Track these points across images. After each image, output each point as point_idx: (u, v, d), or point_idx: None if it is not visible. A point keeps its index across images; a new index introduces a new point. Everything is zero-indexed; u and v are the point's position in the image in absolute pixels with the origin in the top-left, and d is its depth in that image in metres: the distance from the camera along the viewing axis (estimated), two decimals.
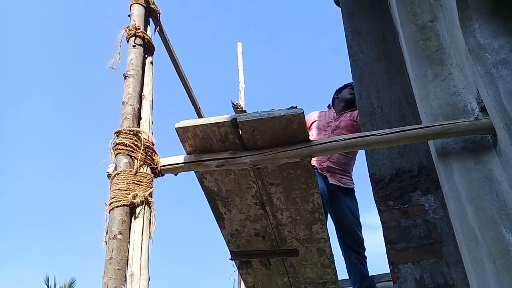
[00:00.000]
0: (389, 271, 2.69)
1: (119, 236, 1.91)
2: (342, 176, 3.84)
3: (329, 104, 4.24)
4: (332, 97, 4.26)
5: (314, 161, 3.74)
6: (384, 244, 2.62)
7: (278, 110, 2.14)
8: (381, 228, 2.66)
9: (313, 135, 3.90)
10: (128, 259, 1.90)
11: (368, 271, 3.66)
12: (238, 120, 2.14)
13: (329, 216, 3.75)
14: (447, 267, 2.33)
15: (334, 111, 4.12)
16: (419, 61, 2.51)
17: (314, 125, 4.06)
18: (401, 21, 2.67)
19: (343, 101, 4.10)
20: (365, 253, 3.70)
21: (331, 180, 3.75)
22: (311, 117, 4.16)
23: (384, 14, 3.47)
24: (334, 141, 2.18)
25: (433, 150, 2.26)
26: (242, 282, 4.78)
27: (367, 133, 2.20)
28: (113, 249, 1.87)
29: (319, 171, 3.73)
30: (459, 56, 2.41)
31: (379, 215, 2.67)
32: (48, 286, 16.89)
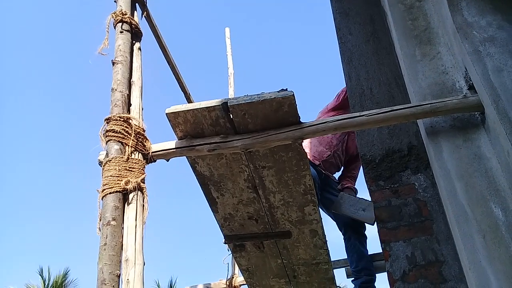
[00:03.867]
0: (380, 251, 2.75)
1: (112, 222, 1.91)
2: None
3: None
4: None
5: (313, 156, 3.76)
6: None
7: (269, 93, 2.14)
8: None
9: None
10: (122, 244, 1.90)
11: (367, 251, 3.70)
12: (228, 104, 2.14)
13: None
14: (438, 244, 2.37)
15: None
16: (407, 41, 2.52)
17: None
18: (389, 2, 2.67)
19: None
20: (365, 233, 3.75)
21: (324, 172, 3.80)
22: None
23: None
24: (325, 122, 2.19)
25: (422, 129, 2.28)
26: (236, 266, 4.82)
27: (357, 114, 2.20)
28: (107, 235, 1.87)
29: (312, 161, 3.74)
30: (447, 35, 2.43)
31: (370, 195, 2.70)
32: (42, 277, 16.94)
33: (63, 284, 17.24)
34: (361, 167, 3.02)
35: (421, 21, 2.54)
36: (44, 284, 16.92)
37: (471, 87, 2.17)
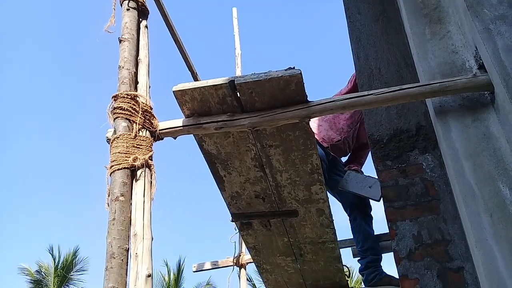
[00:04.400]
0: (386, 232, 2.75)
1: (121, 198, 1.93)
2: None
3: None
4: None
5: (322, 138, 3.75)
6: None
7: (276, 71, 2.13)
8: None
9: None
10: (130, 220, 1.93)
11: (373, 231, 3.72)
12: (235, 82, 2.13)
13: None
14: (445, 223, 2.37)
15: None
16: (417, 20, 2.49)
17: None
18: None
19: None
20: (371, 213, 3.76)
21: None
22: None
23: None
24: (333, 101, 2.18)
25: (431, 109, 2.27)
26: (243, 244, 4.88)
27: (365, 92, 2.19)
28: (115, 211, 1.90)
29: (321, 143, 3.72)
30: (457, 14, 2.39)
31: (377, 174, 2.69)
32: (52, 255, 17.24)
33: (73, 262, 17.55)
34: (369, 149, 3.01)
35: None
36: (55, 262, 17.23)
37: (481, 67, 2.14)
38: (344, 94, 3.77)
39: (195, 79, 3.52)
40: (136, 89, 2.26)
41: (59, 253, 17.39)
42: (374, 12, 3.30)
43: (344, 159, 4.07)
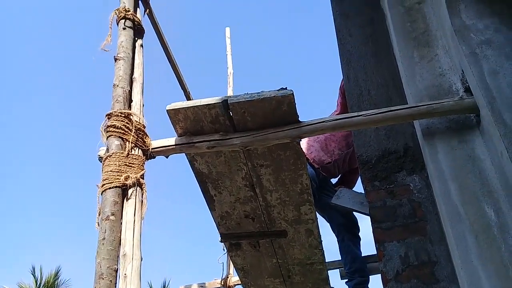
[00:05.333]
0: (374, 253, 2.75)
1: (111, 217, 1.93)
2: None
3: None
4: None
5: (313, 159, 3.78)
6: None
7: (269, 91, 2.16)
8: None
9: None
10: (120, 239, 1.92)
11: (361, 252, 3.73)
12: (229, 102, 2.16)
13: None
14: (431, 244, 2.40)
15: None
16: (406, 43, 2.55)
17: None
18: (389, 3, 2.70)
19: None
20: (359, 234, 3.78)
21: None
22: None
23: None
24: (323, 121, 2.22)
25: (419, 130, 2.32)
26: (231, 265, 4.84)
27: (355, 113, 2.24)
28: (105, 230, 1.90)
29: (312, 164, 3.75)
30: (445, 38, 2.46)
31: (365, 195, 2.72)
32: (34, 276, 16.86)
33: (55, 283, 17.18)
34: (359, 173, 3.04)
35: (420, 23, 2.57)
36: (36, 283, 16.85)
37: (467, 90, 2.20)
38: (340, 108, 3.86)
39: (188, 97, 3.56)
40: (130, 107, 2.28)
41: (41, 274, 17.00)
42: (364, 34, 3.38)
43: (333, 180, 4.10)
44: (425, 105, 2.15)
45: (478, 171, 2.03)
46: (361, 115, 2.19)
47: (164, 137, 2.35)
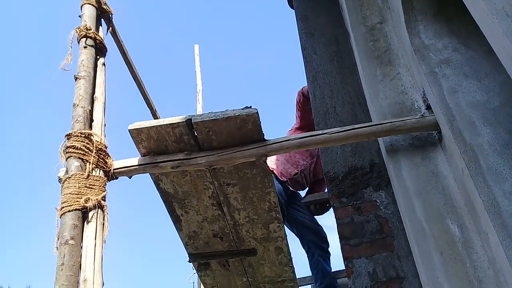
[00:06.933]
0: (344, 268, 2.76)
1: (70, 241, 1.86)
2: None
3: None
4: None
5: (280, 172, 3.78)
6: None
7: (233, 110, 2.15)
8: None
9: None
10: (80, 264, 1.85)
11: (331, 268, 3.73)
12: (192, 121, 2.14)
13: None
14: (399, 260, 2.41)
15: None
16: (369, 62, 2.59)
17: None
18: (352, 23, 2.75)
19: None
20: (329, 249, 3.78)
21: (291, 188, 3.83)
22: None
23: (336, 17, 3.56)
24: (289, 140, 2.22)
25: (383, 147, 2.34)
26: (201, 285, 4.75)
27: (320, 131, 2.25)
28: (64, 255, 1.82)
29: (279, 178, 3.76)
30: (406, 57, 2.51)
31: (333, 212, 2.73)
32: None
33: None
34: (326, 187, 3.06)
35: (382, 42, 2.62)
36: None
37: (429, 107, 2.24)
38: (297, 128, 3.90)
39: (155, 116, 3.50)
40: (91, 127, 2.22)
41: None
42: (329, 52, 3.42)
43: (302, 194, 4.11)
44: (388, 122, 2.18)
45: (442, 187, 2.06)
46: (325, 133, 2.20)
47: (129, 157, 2.30)
